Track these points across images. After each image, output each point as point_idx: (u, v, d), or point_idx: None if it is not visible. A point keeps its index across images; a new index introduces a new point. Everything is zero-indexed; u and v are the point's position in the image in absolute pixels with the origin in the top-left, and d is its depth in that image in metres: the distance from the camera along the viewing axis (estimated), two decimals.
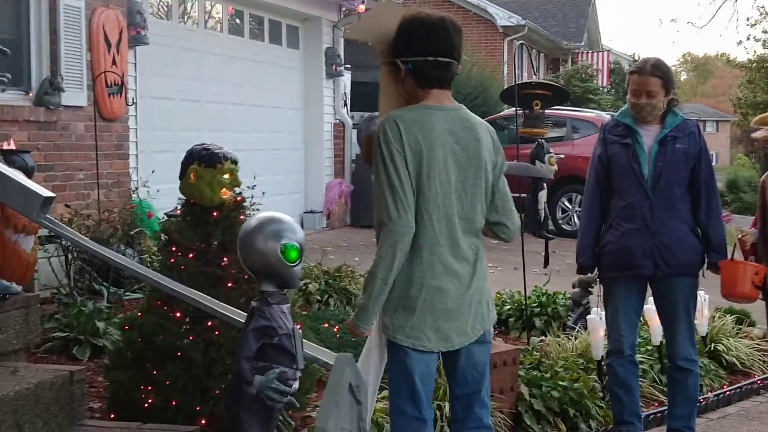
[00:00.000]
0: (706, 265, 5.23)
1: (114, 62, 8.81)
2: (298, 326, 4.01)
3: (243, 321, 3.98)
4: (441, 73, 3.65)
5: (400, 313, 3.65)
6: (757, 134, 5.15)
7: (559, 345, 6.57)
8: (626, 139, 5.18)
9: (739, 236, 5.19)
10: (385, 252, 3.55)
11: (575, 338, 6.65)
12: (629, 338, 5.28)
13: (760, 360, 7.14)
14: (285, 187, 13.46)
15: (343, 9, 14.62)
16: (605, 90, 30.96)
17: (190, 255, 4.75)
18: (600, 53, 33.97)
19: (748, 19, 78.89)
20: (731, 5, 77.14)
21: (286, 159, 13.80)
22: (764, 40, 47.85)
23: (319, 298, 7.99)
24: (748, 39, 54.06)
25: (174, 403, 4.58)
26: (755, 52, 49.25)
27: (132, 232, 8.00)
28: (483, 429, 3.85)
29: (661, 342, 6.52)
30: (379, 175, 3.59)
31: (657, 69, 5.12)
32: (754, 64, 47.24)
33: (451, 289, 3.64)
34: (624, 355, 5.28)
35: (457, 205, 3.64)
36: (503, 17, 26.44)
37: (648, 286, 5.29)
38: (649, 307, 5.83)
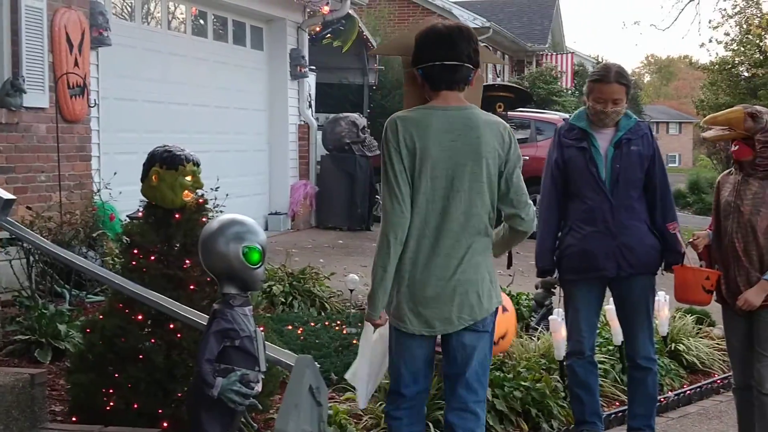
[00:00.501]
0: (663, 264, 5.30)
1: (76, 63, 8.74)
2: (261, 328, 4.01)
3: (205, 323, 3.97)
4: (448, 76, 3.87)
5: (392, 296, 3.92)
6: (708, 134, 5.09)
7: (522, 345, 6.60)
8: (582, 142, 5.21)
9: (691, 239, 5.11)
10: (382, 241, 3.86)
11: (538, 339, 6.69)
12: (589, 339, 5.34)
13: (720, 360, 7.21)
14: (249, 188, 13.43)
15: (308, 10, 14.61)
16: (569, 92, 31.13)
17: (152, 257, 4.73)
18: (564, 55, 34.15)
19: (710, 22, 79.37)
20: (693, 8, 77.89)
21: (250, 160, 13.76)
22: (726, 43, 48.39)
23: (283, 300, 7.99)
24: (710, 41, 54.41)
25: (136, 405, 4.56)
26: (717, 54, 49.74)
27: (94, 235, 7.95)
28: (466, 413, 3.96)
29: (622, 342, 6.58)
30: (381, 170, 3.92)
31: (621, 77, 5.16)
32: (717, 67, 47.74)
33: (432, 279, 3.86)
34: (584, 356, 5.33)
35: (453, 199, 3.85)
36: (468, 19, 26.46)
37: (607, 287, 5.35)
38: (610, 307, 5.87)
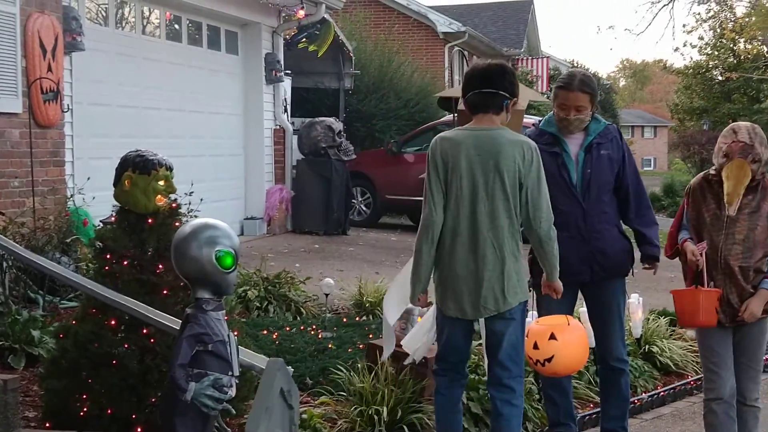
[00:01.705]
0: (635, 262, 5.35)
1: (49, 68, 8.72)
2: (234, 333, 4.01)
3: (178, 328, 3.97)
4: (481, 102, 4.61)
5: (437, 287, 4.71)
6: (733, 212, 4.87)
7: None
8: (554, 147, 5.23)
9: (695, 260, 4.89)
10: (419, 234, 4.63)
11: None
12: None
13: (693, 361, 7.25)
14: (225, 193, 13.40)
15: (283, 15, 14.60)
16: (545, 96, 31.24)
17: (125, 262, 4.73)
18: (539, 60, 34.27)
19: (684, 26, 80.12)
20: (668, 12, 78.41)
21: (225, 165, 13.73)
22: (700, 47, 48.74)
23: (258, 304, 7.98)
24: (684, 45, 54.81)
25: (109, 411, 4.56)
26: (692, 58, 50.30)
27: (68, 240, 7.93)
28: (500, 387, 4.64)
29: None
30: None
31: (585, 85, 5.17)
32: (691, 71, 48.11)
33: (463, 273, 4.56)
34: None
35: (480, 204, 4.53)
36: (444, 24, 26.56)
37: (579, 290, 5.38)
38: (584, 310, 5.90)
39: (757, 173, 4.84)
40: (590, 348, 6.32)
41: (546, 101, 20.20)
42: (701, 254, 4.89)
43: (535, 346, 4.75)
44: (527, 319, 5.78)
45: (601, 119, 5.33)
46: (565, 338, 4.75)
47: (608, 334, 5.36)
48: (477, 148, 4.54)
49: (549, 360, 4.72)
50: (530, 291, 5.60)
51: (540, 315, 5.37)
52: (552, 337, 4.74)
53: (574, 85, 5.15)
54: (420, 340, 5.38)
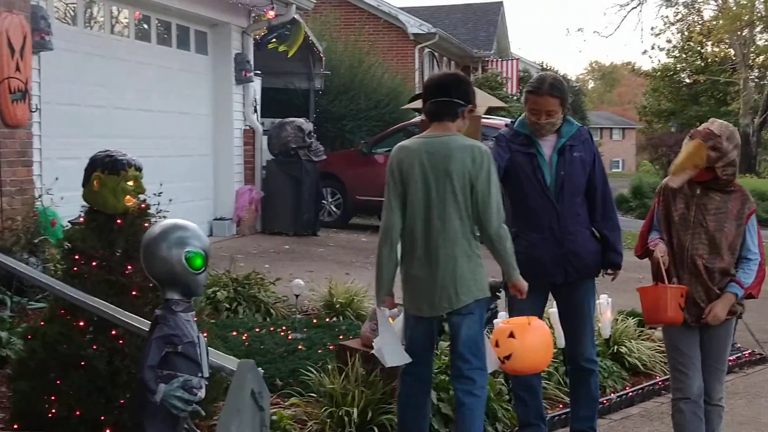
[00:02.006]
0: (604, 264, 5.38)
1: (17, 68, 8.64)
2: (204, 334, 3.99)
3: (147, 329, 3.95)
4: (437, 110, 4.81)
5: (402, 287, 4.89)
6: (676, 183, 4.88)
7: None
8: (530, 149, 5.24)
9: (661, 257, 4.84)
10: (379, 238, 4.82)
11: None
12: None
13: (661, 362, 7.28)
14: (194, 193, 13.35)
15: (253, 15, 14.57)
16: (515, 98, 31.34)
17: (94, 263, 4.70)
18: (509, 61, 34.39)
19: (652, 29, 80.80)
20: (636, 15, 79.07)
21: (195, 165, 13.68)
22: (668, 50, 49.16)
23: (227, 306, 7.95)
24: (652, 48, 55.10)
25: (78, 412, 4.53)
26: (660, 61, 50.75)
27: (36, 241, 7.86)
28: (462, 378, 4.80)
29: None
30: None
31: (554, 89, 5.17)
32: (659, 73, 48.53)
33: (420, 274, 4.77)
34: None
35: (434, 208, 4.71)
36: (414, 25, 26.60)
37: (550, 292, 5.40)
38: (554, 311, 5.92)
39: (721, 169, 4.79)
40: (560, 348, 6.38)
41: (506, 106, 20.35)
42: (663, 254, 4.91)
43: (497, 344, 4.86)
44: (495, 320, 5.83)
45: (574, 121, 5.36)
46: (524, 337, 4.81)
47: (579, 335, 5.39)
48: (429, 154, 4.73)
49: (507, 358, 4.81)
50: (501, 291, 5.62)
51: (511, 316, 5.39)
52: (511, 335, 4.82)
53: (544, 89, 5.16)
54: (390, 342, 5.23)
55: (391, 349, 5.04)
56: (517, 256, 5.12)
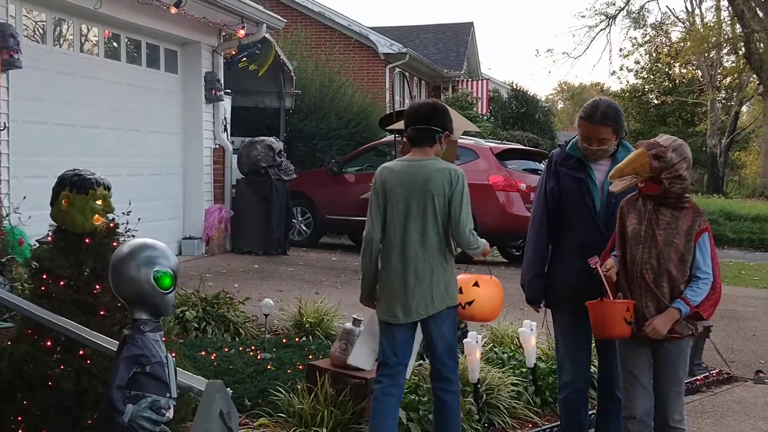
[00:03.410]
0: None
1: None
2: (172, 354, 3.97)
3: (115, 349, 3.92)
4: (416, 136, 5.33)
5: (379, 296, 5.31)
6: (616, 188, 4.85)
7: None
8: (579, 173, 5.17)
9: (605, 272, 4.86)
10: (362, 249, 5.30)
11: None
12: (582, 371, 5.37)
13: None
14: (163, 212, 13.30)
15: (223, 34, 14.56)
16: (485, 118, 31.49)
17: (62, 283, 4.66)
18: (479, 81, 34.56)
19: (621, 50, 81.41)
20: (605, 37, 79.74)
21: (164, 184, 13.63)
22: (636, 71, 49.57)
23: (196, 325, 7.92)
24: (621, 69, 55.46)
25: None
26: (628, 82, 51.13)
27: (3, 260, 7.79)
28: (440, 378, 5.26)
29: (535, 365, 6.64)
30: None
31: (607, 117, 5.09)
32: (627, 94, 48.89)
33: (397, 282, 5.18)
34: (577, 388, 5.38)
35: (412, 223, 5.17)
36: (385, 45, 26.69)
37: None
38: (523, 330, 5.94)
39: (668, 181, 4.73)
40: (529, 368, 6.39)
41: (480, 131, 20.41)
42: (599, 266, 4.87)
43: (460, 291, 5.40)
44: (471, 341, 5.86)
45: (629, 146, 5.22)
46: (485, 287, 5.54)
47: (611, 367, 5.31)
48: (411, 176, 5.22)
49: (470, 303, 5.45)
50: (542, 309, 5.51)
51: (558, 342, 5.38)
52: (475, 284, 5.53)
53: (596, 117, 5.08)
54: (361, 343, 5.90)
55: (357, 350, 5.80)
56: (560, 279, 5.15)
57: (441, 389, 5.26)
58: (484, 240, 5.34)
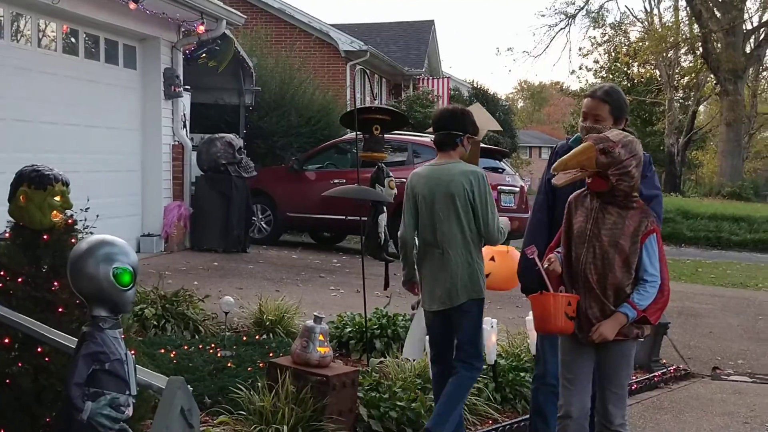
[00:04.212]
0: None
1: None
2: (132, 352, 3.94)
3: (74, 347, 3.88)
4: (440, 141, 5.80)
5: (421, 288, 5.88)
6: (559, 181, 4.70)
7: (398, 366, 6.65)
8: None
9: (546, 266, 4.73)
10: (400, 248, 5.90)
11: (414, 359, 6.74)
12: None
13: None
14: (121, 209, 13.19)
15: (182, 29, 14.47)
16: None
17: (20, 279, 4.61)
18: (440, 80, 34.64)
19: (580, 50, 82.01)
20: (564, 36, 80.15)
21: (122, 181, 13.52)
22: (595, 70, 49.93)
23: (155, 323, 7.86)
24: (580, 68, 55.77)
25: (2, 431, 4.42)
26: (587, 81, 51.47)
27: None
28: (464, 362, 5.65)
29: (496, 361, 6.67)
30: None
31: (608, 95, 5.16)
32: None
33: (429, 276, 5.73)
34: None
35: (439, 222, 5.65)
36: (345, 42, 26.66)
37: None
38: (485, 327, 5.95)
39: (615, 178, 4.56)
40: (490, 365, 6.41)
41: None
42: (536, 257, 4.78)
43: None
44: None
45: None
46: (502, 261, 6.32)
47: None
48: (436, 179, 5.69)
49: (486, 276, 5.82)
50: None
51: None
52: (492, 258, 6.36)
53: (597, 93, 5.18)
54: (414, 336, 6.67)
55: (408, 342, 6.74)
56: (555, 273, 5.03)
57: (462, 367, 5.66)
58: (505, 219, 5.91)
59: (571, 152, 4.68)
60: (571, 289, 4.75)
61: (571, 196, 4.87)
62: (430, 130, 6.05)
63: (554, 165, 4.76)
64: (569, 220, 4.82)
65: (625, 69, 47.44)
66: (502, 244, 6.18)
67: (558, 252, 4.84)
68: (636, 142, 4.68)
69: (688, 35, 41.62)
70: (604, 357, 4.73)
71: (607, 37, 47.72)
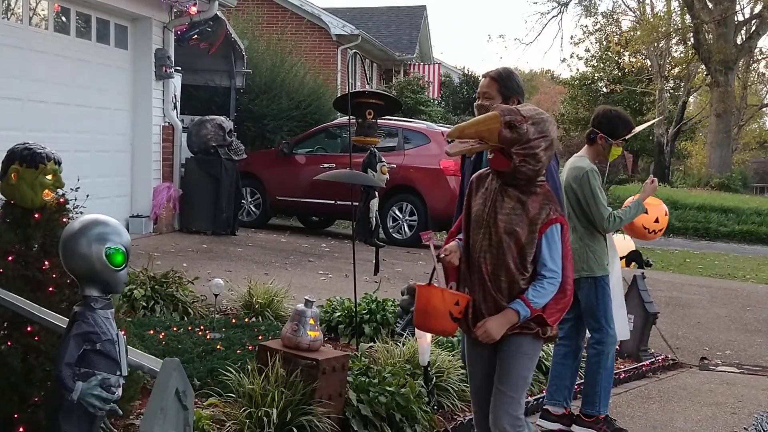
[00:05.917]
0: None
1: None
2: (123, 332, 3.92)
3: (64, 326, 3.86)
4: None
5: None
6: (452, 149, 4.12)
7: (388, 351, 6.63)
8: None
9: (443, 255, 4.21)
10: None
11: (403, 344, 6.73)
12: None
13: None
14: (111, 190, 13.15)
15: (174, 10, 14.40)
16: (436, 102, 31.54)
17: (10, 258, 4.57)
18: (431, 66, 34.61)
19: (572, 38, 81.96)
20: (556, 24, 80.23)
21: (112, 161, 13.47)
22: (586, 59, 49.88)
23: (144, 304, 7.83)
24: (571, 57, 55.72)
25: None
26: (578, 69, 51.47)
27: None
28: (591, 338, 6.31)
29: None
30: None
31: (498, 75, 5.27)
32: (577, 82, 49.22)
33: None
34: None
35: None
36: (337, 26, 26.59)
37: None
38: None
39: (519, 158, 4.03)
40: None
41: (437, 108, 20.43)
42: (458, 251, 4.28)
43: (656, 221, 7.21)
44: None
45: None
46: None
47: None
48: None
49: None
50: None
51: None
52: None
53: (490, 73, 5.30)
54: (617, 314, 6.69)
55: (620, 323, 6.64)
56: None
57: (592, 343, 6.26)
58: (634, 203, 6.68)
59: (472, 120, 4.14)
60: (467, 286, 4.26)
61: (473, 176, 4.40)
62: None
63: (450, 131, 4.20)
64: (469, 202, 4.31)
65: (616, 58, 47.44)
66: None
67: (459, 239, 4.35)
68: (550, 122, 4.17)
69: (680, 25, 41.62)
70: (500, 352, 4.24)
71: (598, 26, 47.68)
